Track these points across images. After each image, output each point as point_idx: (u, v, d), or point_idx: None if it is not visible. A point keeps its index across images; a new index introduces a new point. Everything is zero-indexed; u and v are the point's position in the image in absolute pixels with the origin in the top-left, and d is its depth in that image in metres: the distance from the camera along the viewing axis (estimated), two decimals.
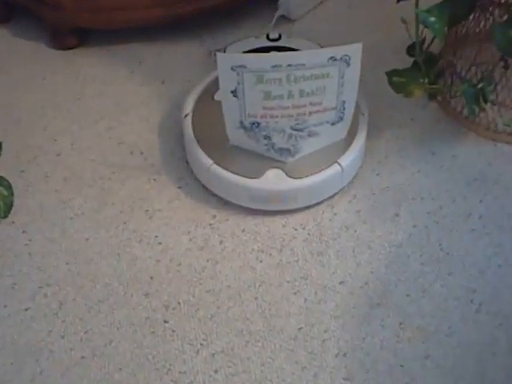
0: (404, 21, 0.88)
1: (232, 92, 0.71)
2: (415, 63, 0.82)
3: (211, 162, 0.78)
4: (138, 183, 0.84)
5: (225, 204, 0.80)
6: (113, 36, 1.00)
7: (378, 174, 0.84)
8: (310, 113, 0.73)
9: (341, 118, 0.76)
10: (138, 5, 0.95)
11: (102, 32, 1.00)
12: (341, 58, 0.69)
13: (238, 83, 0.70)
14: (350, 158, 0.79)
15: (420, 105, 0.91)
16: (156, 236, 0.78)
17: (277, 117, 0.73)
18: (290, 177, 0.76)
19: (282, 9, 1.01)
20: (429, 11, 0.69)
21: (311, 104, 0.72)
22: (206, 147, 0.79)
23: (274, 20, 1.01)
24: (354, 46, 0.69)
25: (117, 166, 0.85)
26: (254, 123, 0.74)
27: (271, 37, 0.90)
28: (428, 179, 0.84)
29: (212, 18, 1.02)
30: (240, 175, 0.77)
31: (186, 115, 0.83)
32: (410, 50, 0.89)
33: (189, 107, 0.84)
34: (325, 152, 0.78)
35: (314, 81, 0.70)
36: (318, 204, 0.80)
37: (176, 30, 1.00)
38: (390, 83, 0.81)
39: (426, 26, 0.74)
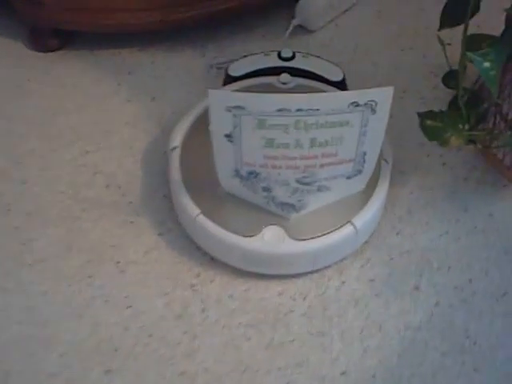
0: (442, 42, 0.74)
1: (226, 136, 0.57)
2: (453, 102, 0.67)
3: (198, 211, 0.64)
4: (112, 225, 0.70)
5: (212, 260, 0.67)
6: (101, 40, 0.86)
7: (398, 234, 0.70)
8: (322, 165, 0.59)
9: (359, 172, 0.62)
10: (129, 6, 0.81)
11: (88, 34, 0.86)
12: (365, 104, 0.55)
13: (235, 127, 0.56)
14: (366, 217, 0.65)
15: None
16: (126, 296, 0.65)
17: (280, 167, 0.59)
18: (291, 237, 0.63)
19: (300, 18, 0.87)
20: (483, 55, 0.54)
21: (324, 155, 0.59)
22: (194, 192, 0.66)
23: (290, 30, 0.87)
24: (383, 90, 0.55)
25: (89, 202, 0.72)
26: (251, 173, 0.60)
27: (283, 55, 0.76)
28: (458, 243, 0.70)
29: (217, 26, 0.87)
30: (231, 231, 0.63)
31: (174, 148, 0.69)
32: (448, 80, 0.75)
33: (178, 138, 0.70)
34: (336, 208, 0.65)
35: (329, 129, 0.56)
36: (323, 269, 0.67)
37: (174, 38, 0.86)
38: (423, 127, 0.66)
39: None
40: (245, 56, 0.78)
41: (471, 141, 0.73)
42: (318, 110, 0.54)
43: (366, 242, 0.69)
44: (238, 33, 0.88)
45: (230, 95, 0.55)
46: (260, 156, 0.58)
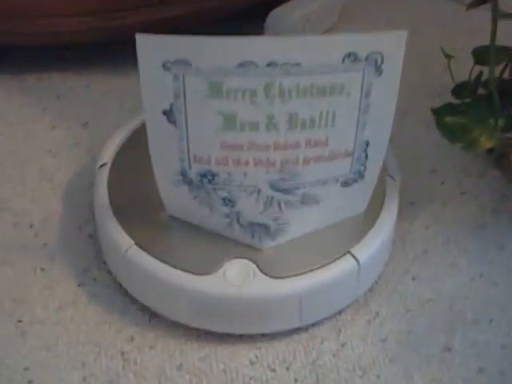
0: (448, 55, 0.59)
1: (165, 114, 0.39)
2: (478, 99, 0.50)
3: (130, 242, 0.45)
4: (17, 274, 0.50)
5: (152, 318, 0.47)
6: (27, 62, 0.70)
7: (414, 279, 0.51)
8: (307, 160, 0.41)
9: (360, 175, 0.43)
10: (60, 10, 0.64)
11: (13, 56, 0.70)
12: (367, 58, 0.37)
13: (177, 96, 0.38)
14: (371, 248, 0.46)
15: (475, 170, 0.59)
16: (26, 368, 0.44)
17: (246, 164, 0.40)
18: (266, 274, 0.43)
19: (270, 32, 0.71)
20: None
21: (308, 144, 0.40)
22: (126, 218, 0.46)
23: None
24: (393, 36, 0.37)
25: None
26: (204, 175, 0.41)
27: None
28: (496, 289, 0.50)
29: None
30: (178, 268, 0.43)
31: (102, 166, 0.51)
32: (460, 92, 0.59)
33: (108, 154, 0.51)
34: (329, 234, 0.46)
35: (315, 98, 0.38)
36: (314, 325, 0.46)
37: (116, 56, 0.70)
38: (441, 126, 0.49)
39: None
40: None
41: (502, 155, 0.56)
42: (298, 64, 0.37)
43: (370, 290, 0.49)
44: None
45: (168, 42, 0.37)
46: (216, 145, 0.40)
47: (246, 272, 0.43)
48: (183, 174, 0.42)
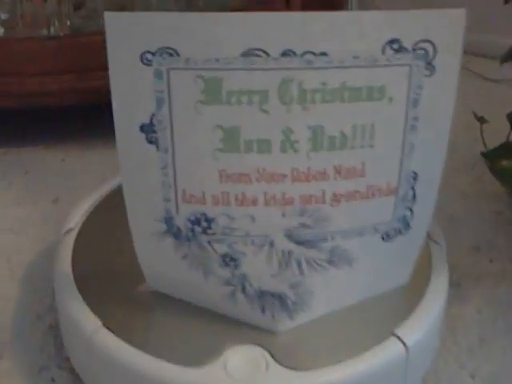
0: (481, 118, 0.51)
1: (143, 130, 0.29)
2: None
3: (98, 323, 0.33)
4: None
5: None
6: None
7: (473, 377, 0.38)
8: (336, 197, 0.30)
9: (405, 224, 0.32)
10: (29, 68, 0.56)
11: None
12: (415, 49, 0.28)
13: (160, 102, 0.28)
14: (421, 330, 0.34)
15: None
16: None
17: (254, 202, 0.29)
18: (283, 365, 0.31)
19: None
20: None
21: (338, 172, 0.29)
22: (94, 293, 0.35)
23: None
24: (448, 16, 0.28)
25: None
26: (197, 220, 0.30)
27: None
28: None
29: None
30: (161, 359, 0.31)
31: (68, 231, 0.40)
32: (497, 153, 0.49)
33: (75, 219, 0.40)
34: (366, 311, 0.34)
35: (347, 106, 0.28)
36: None
37: (96, 120, 0.61)
38: (496, 172, 0.39)
39: None
40: None
41: None
42: (324, 54, 0.27)
43: None
44: None
45: (148, 23, 0.27)
46: (213, 175, 0.29)
47: (256, 362, 0.31)
48: (168, 220, 0.30)
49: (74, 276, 0.36)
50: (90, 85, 0.55)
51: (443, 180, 0.56)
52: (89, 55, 0.54)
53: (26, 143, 0.60)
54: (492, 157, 0.39)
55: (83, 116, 0.62)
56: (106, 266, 0.36)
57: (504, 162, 0.38)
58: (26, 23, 0.58)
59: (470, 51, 0.68)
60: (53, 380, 0.37)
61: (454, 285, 0.46)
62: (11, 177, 0.56)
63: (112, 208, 0.39)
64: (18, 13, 0.58)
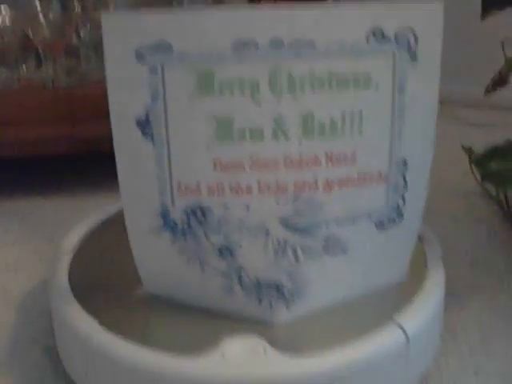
0: (468, 149, 0.52)
1: (139, 124, 0.29)
2: None
3: (94, 323, 0.33)
4: None
5: None
6: None
7: (476, 373, 0.38)
8: (329, 183, 0.31)
9: (398, 213, 0.33)
10: (24, 116, 0.57)
11: None
12: (397, 37, 0.29)
13: (155, 97, 0.29)
14: (420, 318, 0.34)
15: None
16: None
17: (248, 191, 0.30)
18: (281, 352, 0.31)
19: None
20: None
21: (329, 158, 0.30)
22: (91, 300, 0.35)
23: None
24: (427, 7, 0.30)
25: None
26: (193, 211, 0.31)
27: None
28: None
29: None
30: (159, 350, 0.31)
31: (66, 252, 0.40)
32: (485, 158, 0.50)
33: (71, 242, 0.41)
34: (365, 302, 0.34)
35: (335, 93, 0.29)
36: None
37: (92, 169, 0.62)
38: (485, 175, 0.40)
39: None
40: None
41: None
42: (311, 43, 0.28)
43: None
44: None
45: (142, 21, 0.28)
46: (207, 165, 0.30)
47: (254, 350, 0.31)
48: (164, 214, 0.31)
49: (70, 286, 0.36)
50: (86, 133, 0.56)
51: (436, 206, 0.57)
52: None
53: (22, 194, 0.61)
54: (480, 161, 0.40)
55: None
56: (102, 277, 0.37)
57: (493, 165, 0.39)
58: (21, 86, 0.60)
59: (456, 101, 0.71)
60: None
61: (452, 296, 0.46)
62: (8, 225, 0.57)
63: (108, 232, 0.40)
64: (14, 78, 0.60)
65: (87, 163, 0.64)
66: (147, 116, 0.29)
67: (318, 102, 0.29)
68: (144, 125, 0.29)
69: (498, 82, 0.45)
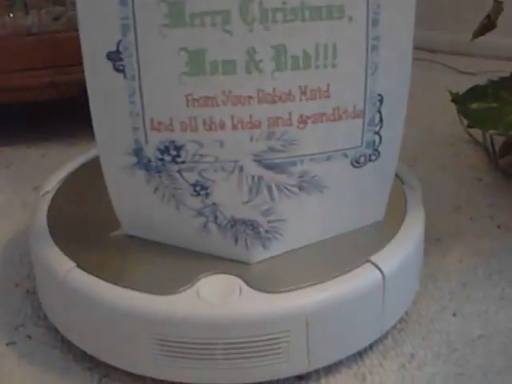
0: (455, 94, 0.51)
1: (110, 58, 0.29)
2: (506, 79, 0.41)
3: (71, 264, 0.33)
4: None
5: (103, 378, 0.33)
6: None
7: (455, 315, 0.39)
8: (303, 118, 0.30)
9: (374, 150, 0.33)
10: (8, 64, 0.56)
11: None
12: None
13: (125, 29, 0.28)
14: (398, 257, 0.34)
15: (507, 204, 0.49)
16: None
17: (222, 126, 0.30)
18: (257, 289, 0.31)
19: None
20: None
21: (304, 92, 0.30)
22: (68, 241, 0.35)
23: None
24: None
25: None
26: (166, 148, 0.30)
27: None
28: None
29: None
30: (134, 289, 0.31)
31: (44, 194, 0.40)
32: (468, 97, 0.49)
33: (52, 183, 0.41)
34: (342, 241, 0.34)
35: (308, 24, 0.29)
36: (328, 372, 0.33)
37: (77, 118, 0.61)
38: (467, 114, 0.39)
39: None
40: None
41: None
42: None
43: (398, 330, 0.37)
44: None
45: None
46: (180, 100, 0.29)
47: (229, 288, 0.31)
48: (137, 151, 0.31)
49: (48, 228, 0.36)
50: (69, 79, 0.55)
51: (424, 153, 0.57)
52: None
53: (7, 141, 0.61)
54: (461, 101, 0.39)
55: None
56: (79, 220, 0.37)
57: (474, 105, 0.39)
58: (7, 32, 0.59)
59: (447, 49, 0.69)
60: (29, 337, 0.37)
61: (434, 240, 0.46)
62: None
63: (86, 176, 0.40)
64: None
65: (71, 109, 0.63)
66: (118, 48, 0.29)
67: (290, 34, 0.29)
68: (115, 58, 0.29)
69: (487, 25, 0.44)
